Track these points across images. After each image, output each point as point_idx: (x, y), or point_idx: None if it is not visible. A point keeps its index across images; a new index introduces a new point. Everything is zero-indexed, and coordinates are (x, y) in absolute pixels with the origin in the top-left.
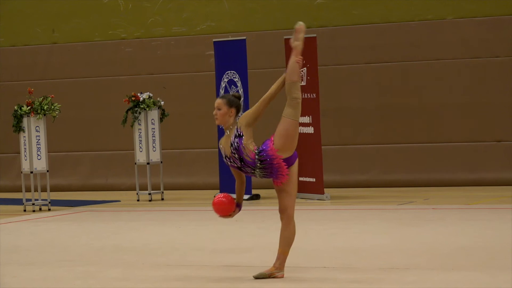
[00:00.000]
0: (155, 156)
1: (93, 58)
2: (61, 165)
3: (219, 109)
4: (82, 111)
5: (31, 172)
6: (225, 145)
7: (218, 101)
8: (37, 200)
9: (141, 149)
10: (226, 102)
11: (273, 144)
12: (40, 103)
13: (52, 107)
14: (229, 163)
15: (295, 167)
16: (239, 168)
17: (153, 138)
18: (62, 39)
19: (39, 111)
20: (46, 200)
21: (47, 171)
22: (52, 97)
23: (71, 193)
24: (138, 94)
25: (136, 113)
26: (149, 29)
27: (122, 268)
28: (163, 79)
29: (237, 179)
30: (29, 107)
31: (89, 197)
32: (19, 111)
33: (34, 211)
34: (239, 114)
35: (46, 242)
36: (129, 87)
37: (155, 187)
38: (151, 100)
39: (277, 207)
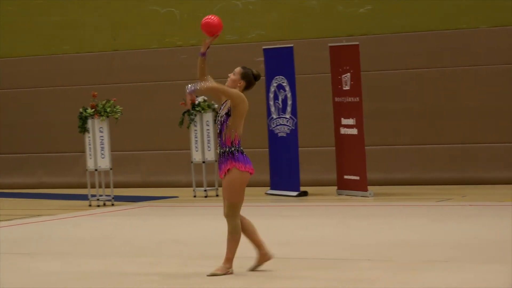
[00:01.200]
0: (210, 155)
1: (151, 64)
2: (123, 163)
3: (233, 74)
4: (142, 113)
5: (96, 170)
6: (223, 107)
7: (238, 68)
8: (101, 196)
9: (197, 149)
10: (242, 73)
11: (242, 170)
12: (103, 105)
13: (114, 109)
14: (215, 122)
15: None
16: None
17: (208, 139)
18: (122, 47)
19: (102, 113)
20: (109, 196)
21: (111, 169)
22: (114, 100)
23: (132, 190)
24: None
25: (192, 115)
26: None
27: (181, 259)
28: None
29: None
30: (93, 110)
31: (149, 193)
32: (84, 113)
33: (98, 206)
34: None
35: (110, 235)
36: (185, 91)
37: (211, 184)
38: (206, 103)
39: (324, 203)
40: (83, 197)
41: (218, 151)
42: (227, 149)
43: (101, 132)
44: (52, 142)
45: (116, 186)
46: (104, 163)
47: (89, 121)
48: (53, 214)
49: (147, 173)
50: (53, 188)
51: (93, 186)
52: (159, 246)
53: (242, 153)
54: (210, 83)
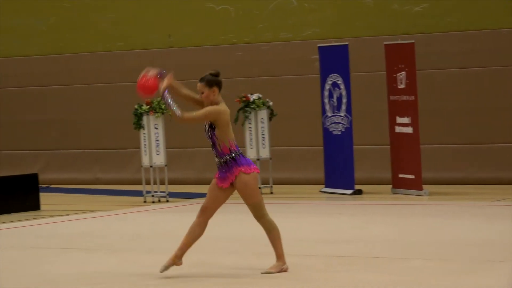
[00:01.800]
0: (265, 153)
1: (206, 61)
2: (178, 160)
3: (202, 93)
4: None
5: (151, 166)
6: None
7: (199, 85)
8: (156, 192)
9: (251, 146)
10: (206, 83)
11: (248, 172)
12: (159, 102)
13: None
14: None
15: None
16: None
17: (263, 136)
18: (177, 44)
19: (157, 110)
20: (164, 192)
21: (165, 165)
22: None
23: (187, 186)
24: (249, 95)
25: (247, 113)
26: (258, 34)
27: (234, 256)
28: (271, 81)
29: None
30: (148, 106)
31: (203, 189)
32: (139, 109)
33: (153, 202)
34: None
35: (164, 231)
36: (240, 88)
37: (265, 182)
38: (261, 100)
39: (378, 202)
40: (138, 193)
41: (216, 161)
42: (228, 157)
43: (156, 128)
44: (107, 139)
45: (171, 182)
46: (159, 159)
47: (144, 118)
48: (108, 210)
49: (202, 170)
50: (108, 184)
51: (148, 183)
52: (214, 243)
53: (243, 156)
54: (188, 114)
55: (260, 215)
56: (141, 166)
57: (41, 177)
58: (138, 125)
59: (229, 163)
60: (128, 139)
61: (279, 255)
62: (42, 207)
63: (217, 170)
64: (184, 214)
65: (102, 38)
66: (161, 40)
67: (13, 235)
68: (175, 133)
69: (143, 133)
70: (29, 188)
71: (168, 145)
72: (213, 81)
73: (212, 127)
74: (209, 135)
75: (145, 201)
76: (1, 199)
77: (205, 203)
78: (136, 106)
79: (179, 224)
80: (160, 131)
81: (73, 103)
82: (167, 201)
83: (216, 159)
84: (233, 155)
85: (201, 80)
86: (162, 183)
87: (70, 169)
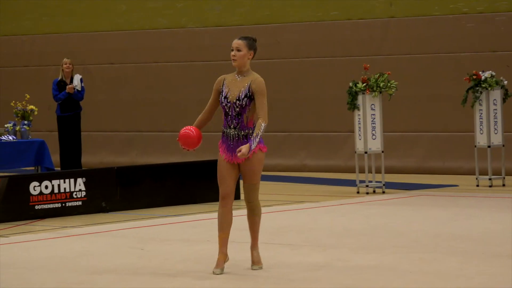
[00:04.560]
0: (497, 139)
1: (431, 33)
2: (396, 146)
3: (238, 50)
4: (419, 89)
5: (365, 153)
6: (232, 87)
7: (239, 42)
8: (371, 182)
9: (481, 131)
10: (247, 44)
11: (264, 151)
12: (376, 80)
13: (389, 84)
14: (222, 103)
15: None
16: (226, 114)
17: (495, 120)
18: (399, 13)
19: (374, 88)
20: (380, 182)
21: (382, 151)
22: (388, 74)
23: (405, 176)
24: (480, 72)
25: (477, 93)
26: (493, 3)
27: (460, 257)
28: (506, 57)
29: (206, 114)
30: (364, 84)
31: (424, 180)
32: (354, 88)
33: (367, 193)
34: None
35: (380, 226)
36: (469, 64)
37: (496, 172)
38: (494, 79)
39: None
40: (351, 183)
41: (232, 133)
42: (250, 131)
43: (373, 109)
44: (316, 120)
45: (388, 171)
46: (375, 145)
47: (360, 97)
48: (316, 201)
49: (424, 158)
50: (316, 171)
51: (362, 171)
52: (435, 241)
53: None
54: (263, 116)
55: (255, 196)
56: (355, 152)
57: None
58: (353, 105)
59: (249, 137)
60: (341, 121)
61: (256, 241)
62: (242, 196)
63: (223, 145)
64: (402, 208)
65: (313, 6)
66: (381, 9)
67: (212, 226)
68: (394, 115)
69: (357, 115)
70: None
71: (385, 129)
72: (253, 46)
73: (250, 97)
74: (241, 104)
75: (358, 192)
76: (198, 187)
77: (224, 191)
78: (350, 84)
79: (396, 219)
80: (377, 113)
81: (281, 80)
82: (383, 192)
83: (235, 131)
84: (252, 131)
85: (243, 38)
86: (378, 171)
87: (274, 154)
